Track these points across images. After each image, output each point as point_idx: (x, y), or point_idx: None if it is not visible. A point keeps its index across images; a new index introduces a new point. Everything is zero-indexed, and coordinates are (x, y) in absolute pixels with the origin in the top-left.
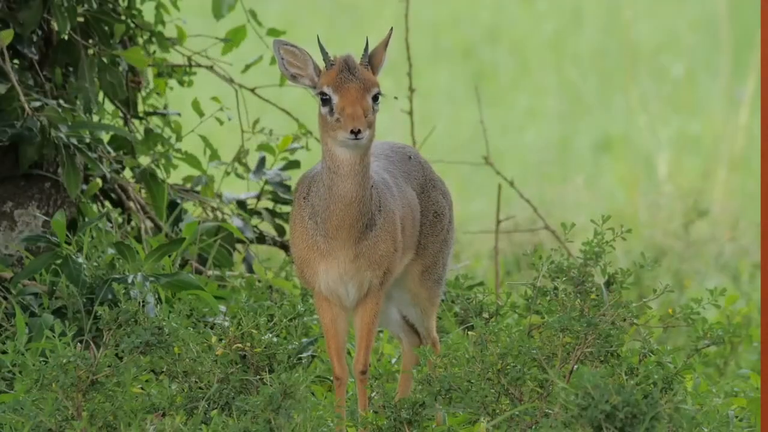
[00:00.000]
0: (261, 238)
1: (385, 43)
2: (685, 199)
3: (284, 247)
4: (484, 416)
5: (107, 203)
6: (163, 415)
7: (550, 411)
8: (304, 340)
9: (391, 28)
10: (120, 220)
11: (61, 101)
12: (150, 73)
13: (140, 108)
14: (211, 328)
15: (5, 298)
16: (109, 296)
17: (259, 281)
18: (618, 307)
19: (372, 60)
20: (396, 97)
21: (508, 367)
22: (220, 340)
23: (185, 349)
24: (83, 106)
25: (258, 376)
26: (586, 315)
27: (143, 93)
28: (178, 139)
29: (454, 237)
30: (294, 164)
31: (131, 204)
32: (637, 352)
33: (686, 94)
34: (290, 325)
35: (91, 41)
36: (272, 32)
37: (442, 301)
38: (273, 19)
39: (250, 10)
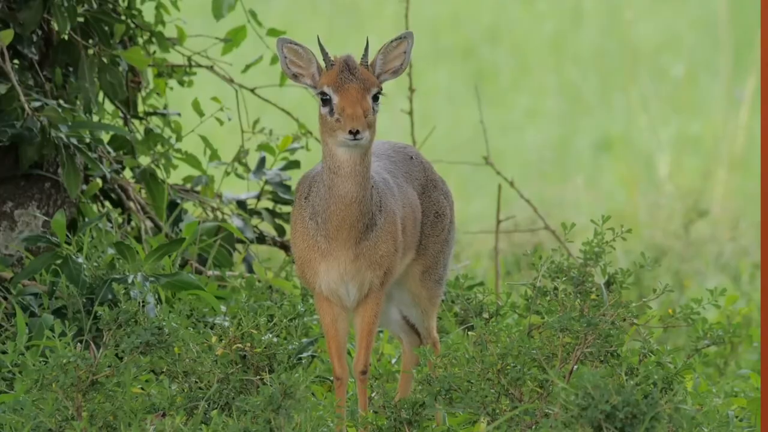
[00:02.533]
0: (261, 238)
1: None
2: (685, 199)
3: (284, 247)
4: (484, 416)
5: (107, 203)
6: (163, 415)
7: (550, 411)
8: (304, 340)
9: (411, 33)
10: (120, 220)
11: (61, 101)
12: (150, 73)
13: (140, 108)
14: (211, 328)
15: (5, 298)
16: (109, 296)
17: (259, 281)
18: (618, 307)
19: (374, 61)
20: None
21: (508, 367)
22: (220, 340)
23: (185, 349)
24: (83, 106)
25: (258, 376)
26: (586, 315)
27: (143, 93)
28: (178, 139)
29: (455, 237)
30: (294, 164)
31: (131, 204)
32: (637, 352)
33: (686, 94)
34: (290, 325)
35: (91, 41)
36: (272, 32)
37: (443, 301)
38: (273, 19)
39: (250, 10)
